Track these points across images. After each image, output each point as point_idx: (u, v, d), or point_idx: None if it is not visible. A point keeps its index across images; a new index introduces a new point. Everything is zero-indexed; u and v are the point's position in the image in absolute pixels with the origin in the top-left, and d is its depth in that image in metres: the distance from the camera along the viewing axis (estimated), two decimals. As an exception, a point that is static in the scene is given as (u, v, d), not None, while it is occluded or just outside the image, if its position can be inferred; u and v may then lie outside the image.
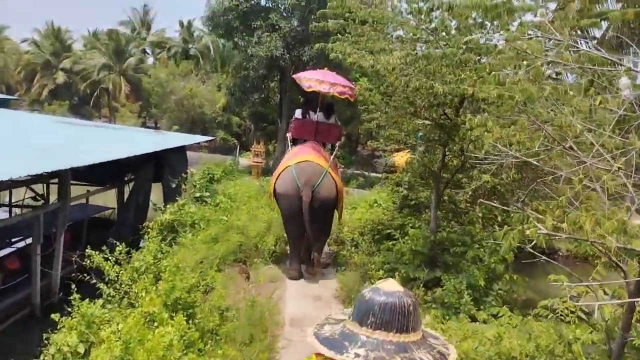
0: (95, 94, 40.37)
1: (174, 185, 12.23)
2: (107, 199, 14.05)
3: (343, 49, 7.02)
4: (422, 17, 6.65)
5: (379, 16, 7.09)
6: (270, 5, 22.50)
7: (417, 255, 8.45)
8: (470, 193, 10.52)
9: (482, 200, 10.65)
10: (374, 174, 29.43)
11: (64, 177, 9.56)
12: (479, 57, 6.92)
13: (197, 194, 12.41)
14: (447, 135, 8.01)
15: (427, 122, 9.00)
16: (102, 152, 10.20)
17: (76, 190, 12.45)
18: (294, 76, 10.14)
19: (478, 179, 10.38)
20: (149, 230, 9.74)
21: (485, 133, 4.88)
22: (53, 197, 12.90)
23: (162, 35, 49.36)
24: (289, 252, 9.26)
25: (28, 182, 10.79)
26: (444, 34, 6.63)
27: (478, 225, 9.45)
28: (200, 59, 45.12)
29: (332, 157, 9.17)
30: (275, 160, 23.95)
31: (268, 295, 7.01)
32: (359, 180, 21.05)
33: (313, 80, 9.01)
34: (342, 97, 9.35)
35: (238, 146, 28.73)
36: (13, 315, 8.65)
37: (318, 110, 9.70)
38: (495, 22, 6.69)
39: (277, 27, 21.21)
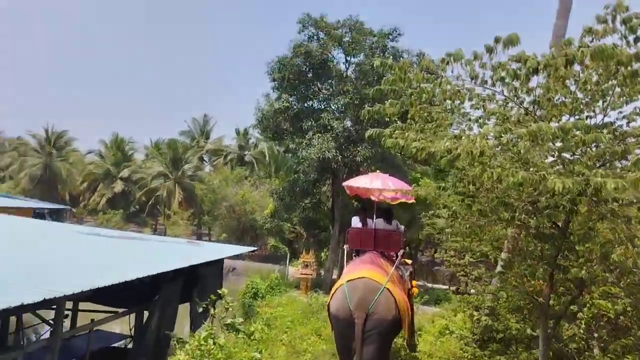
0: (150, 202, 40.42)
1: (200, 310, 10.14)
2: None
3: (404, 136, 5.06)
4: (519, 84, 4.68)
5: (453, 90, 5.18)
6: (322, 107, 21.56)
7: None
8: (583, 326, 7.81)
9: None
10: (437, 286, 26.20)
11: (59, 306, 7.74)
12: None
13: (229, 320, 10.18)
14: (557, 249, 5.65)
15: (515, 231, 6.73)
16: (111, 272, 8.41)
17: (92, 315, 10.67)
18: (343, 184, 9.52)
19: (591, 306, 7.72)
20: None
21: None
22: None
23: (219, 143, 50.43)
24: None
25: (30, 307, 8.99)
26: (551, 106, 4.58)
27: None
28: (255, 165, 45.18)
29: (393, 267, 7.99)
30: (326, 271, 21.62)
31: None
32: (423, 296, 18.17)
33: (361, 189, 8.57)
34: (394, 203, 8.49)
35: (288, 255, 26.70)
36: None
37: (375, 216, 8.74)
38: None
39: (329, 127, 20.01)
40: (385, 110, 5.69)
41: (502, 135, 4.09)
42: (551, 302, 6.49)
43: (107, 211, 40.21)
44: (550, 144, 4.30)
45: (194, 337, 8.55)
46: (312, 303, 15.19)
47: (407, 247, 9.47)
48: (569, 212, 5.30)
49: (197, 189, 38.12)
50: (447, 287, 24.92)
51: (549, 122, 4.82)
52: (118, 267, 9.29)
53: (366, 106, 6.06)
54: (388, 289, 7.26)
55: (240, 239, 32.76)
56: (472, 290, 11.13)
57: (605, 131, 4.87)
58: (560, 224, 5.63)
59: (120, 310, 10.53)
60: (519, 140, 4.20)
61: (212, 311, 10.08)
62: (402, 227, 9.49)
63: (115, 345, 10.93)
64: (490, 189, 5.70)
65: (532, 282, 6.67)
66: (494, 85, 5.17)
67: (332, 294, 7.67)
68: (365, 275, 7.40)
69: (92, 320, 9.21)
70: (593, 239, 5.00)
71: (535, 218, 5.08)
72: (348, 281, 7.37)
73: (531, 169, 4.22)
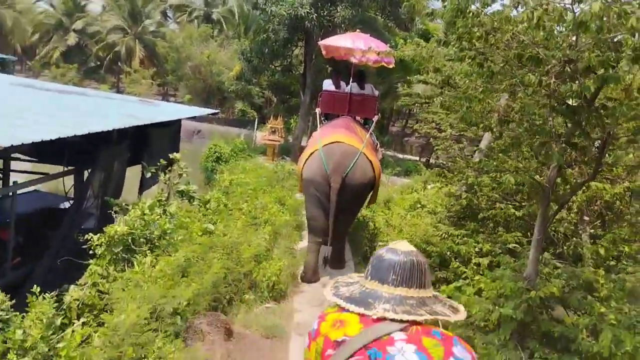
0: (109, 57, 37.38)
1: (148, 175, 9.03)
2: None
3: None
4: None
5: None
6: (297, -46, 18.81)
7: (505, 322, 5.07)
8: (575, 210, 7.05)
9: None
10: (407, 157, 25.71)
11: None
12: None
13: (182, 187, 9.12)
14: (577, 125, 4.50)
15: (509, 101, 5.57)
16: (41, 127, 7.09)
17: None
18: (320, 43, 9.05)
19: (587, 189, 6.89)
20: (93, 247, 6.54)
21: None
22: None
23: (184, -2, 46.00)
24: (307, 248, 7.57)
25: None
26: None
27: (591, 265, 5.94)
28: (224, 24, 41.77)
29: (368, 134, 7.83)
30: (295, 139, 20.58)
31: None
32: (394, 167, 17.50)
33: (341, 49, 8.17)
34: (376, 65, 8.38)
35: (256, 120, 25.30)
36: None
37: (351, 80, 8.26)
38: None
39: (304, -21, 17.58)
40: None
41: None
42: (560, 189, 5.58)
43: (62, 65, 37.11)
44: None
45: (137, 206, 7.51)
46: (277, 170, 14.34)
47: (378, 113, 8.88)
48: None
49: (160, 47, 35.21)
50: (418, 158, 24.49)
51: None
52: (50, 122, 7.89)
53: None
54: (364, 153, 7.13)
55: (206, 101, 31.05)
56: (444, 162, 10.30)
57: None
58: (588, 94, 4.41)
59: (55, 171, 9.34)
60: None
61: (161, 176, 9.00)
62: (377, 92, 9.05)
63: (54, 207, 9.86)
64: (508, 46, 4.37)
65: (533, 162, 5.67)
66: None
67: (306, 159, 7.45)
68: (340, 139, 7.22)
69: (15, 182, 8.01)
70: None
71: (569, 83, 3.79)
72: (324, 145, 7.16)
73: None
